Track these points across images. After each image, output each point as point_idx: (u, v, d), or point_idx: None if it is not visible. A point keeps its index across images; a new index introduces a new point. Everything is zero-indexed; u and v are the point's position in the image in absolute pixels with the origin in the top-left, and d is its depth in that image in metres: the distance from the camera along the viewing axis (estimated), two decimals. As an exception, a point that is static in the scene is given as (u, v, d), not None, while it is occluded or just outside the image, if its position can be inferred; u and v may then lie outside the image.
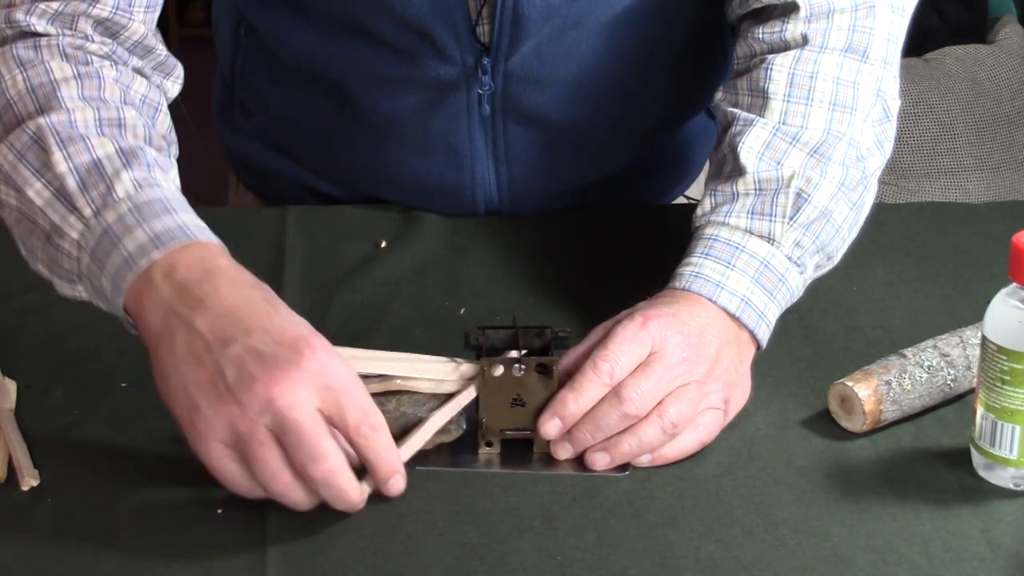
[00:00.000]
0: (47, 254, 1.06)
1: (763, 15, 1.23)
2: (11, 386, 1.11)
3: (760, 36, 1.21)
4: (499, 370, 1.03)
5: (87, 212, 1.03)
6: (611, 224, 1.37)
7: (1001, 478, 1.02)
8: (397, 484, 0.98)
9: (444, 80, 1.30)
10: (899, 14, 1.22)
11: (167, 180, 1.06)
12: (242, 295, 0.98)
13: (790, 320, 1.16)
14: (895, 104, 1.21)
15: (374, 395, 1.01)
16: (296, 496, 0.96)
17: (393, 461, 0.97)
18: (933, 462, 1.05)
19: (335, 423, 0.95)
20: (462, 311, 1.23)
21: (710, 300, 1.09)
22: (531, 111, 1.33)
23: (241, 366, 0.94)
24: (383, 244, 1.33)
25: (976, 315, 1.06)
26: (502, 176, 1.36)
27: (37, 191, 1.04)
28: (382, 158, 1.36)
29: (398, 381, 1.04)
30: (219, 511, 1.00)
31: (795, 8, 1.20)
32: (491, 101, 1.31)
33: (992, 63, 2.72)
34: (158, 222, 1.01)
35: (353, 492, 0.96)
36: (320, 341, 0.96)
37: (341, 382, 0.95)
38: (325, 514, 0.99)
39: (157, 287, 0.99)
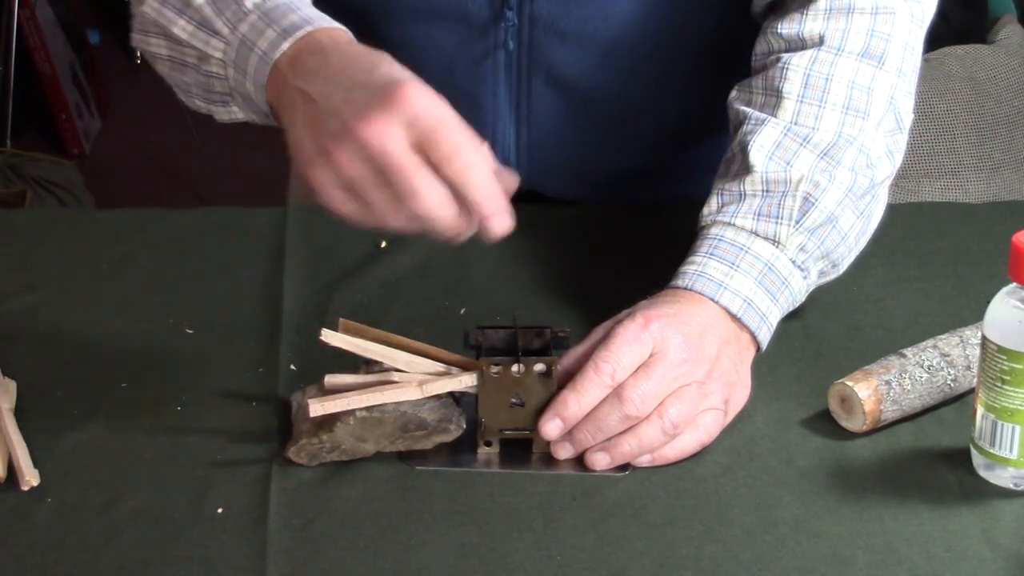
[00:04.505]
0: (200, 85, 1.16)
1: (784, 8, 1.23)
2: (11, 386, 1.12)
3: (779, 31, 1.20)
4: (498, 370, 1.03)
5: (225, 31, 1.12)
6: (612, 223, 1.37)
7: (1001, 478, 1.02)
8: (500, 223, 0.98)
9: (470, 14, 1.30)
10: (918, 24, 1.22)
11: None
12: (348, 60, 1.04)
13: (790, 320, 1.16)
14: (908, 117, 1.20)
15: (372, 385, 1.02)
16: (417, 225, 0.99)
17: (491, 198, 0.97)
18: (933, 462, 1.05)
19: (429, 159, 0.97)
20: (462, 311, 1.24)
21: (712, 300, 1.09)
22: (557, 70, 1.32)
23: (339, 116, 0.99)
24: (383, 244, 1.33)
25: (976, 315, 1.06)
26: (522, 139, 1.36)
27: (181, 27, 1.15)
28: None
29: (395, 376, 1.04)
30: (219, 511, 1.00)
31: None
32: (517, 49, 1.31)
33: (992, 63, 2.71)
34: (284, 20, 1.08)
35: (452, 223, 0.97)
36: (413, 85, 0.98)
37: (431, 117, 0.97)
38: (325, 514, 0.99)
39: (284, 74, 1.06)
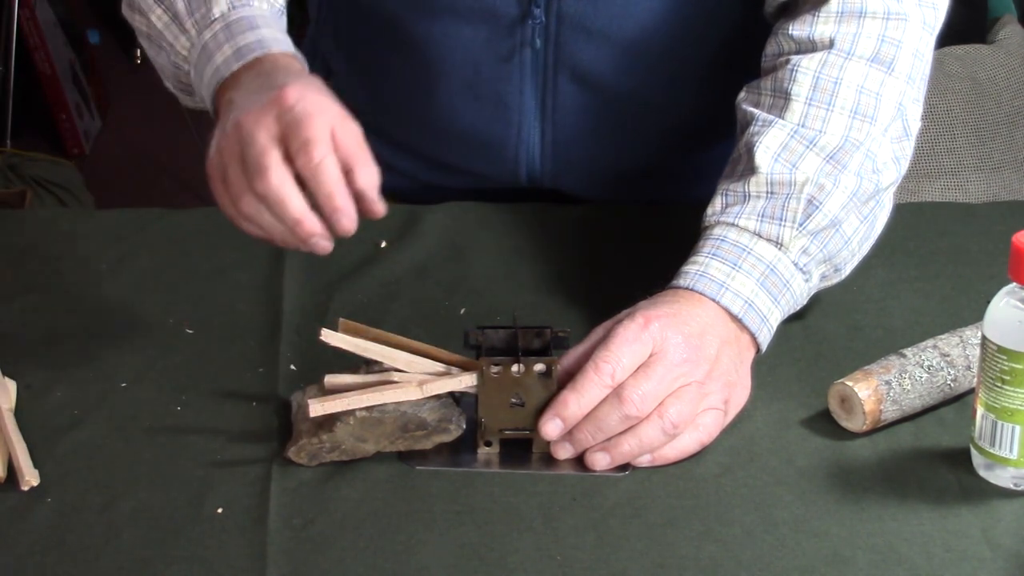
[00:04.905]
0: (170, 70, 1.23)
1: (795, 10, 1.23)
2: (11, 386, 1.12)
3: (790, 32, 1.20)
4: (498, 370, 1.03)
5: (192, 32, 1.18)
6: (613, 223, 1.37)
7: (1001, 478, 1.02)
8: (342, 222, 1.02)
9: (498, 12, 1.30)
10: (929, 31, 1.21)
11: (260, 0, 1.20)
12: (272, 75, 1.11)
13: (790, 320, 1.16)
14: (915, 125, 1.20)
15: (372, 385, 1.02)
16: (264, 220, 1.04)
17: (333, 195, 1.01)
18: (933, 462, 1.05)
19: (287, 149, 1.03)
20: (462, 311, 1.23)
21: (713, 300, 1.09)
22: (583, 67, 1.32)
23: (237, 111, 1.06)
24: (383, 244, 1.33)
25: (976, 315, 1.06)
26: (547, 137, 1.37)
27: (158, 16, 1.21)
28: (433, 103, 1.37)
29: (395, 376, 1.04)
30: (219, 511, 1.00)
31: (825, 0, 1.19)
32: (544, 47, 1.31)
33: (992, 63, 2.71)
34: (242, 38, 1.15)
35: (294, 207, 1.01)
36: (297, 87, 1.04)
37: (297, 113, 1.02)
38: (325, 514, 0.99)
39: (226, 87, 1.13)
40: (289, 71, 1.11)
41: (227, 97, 1.11)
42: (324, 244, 1.04)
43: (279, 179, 1.02)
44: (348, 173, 1.04)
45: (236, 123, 1.05)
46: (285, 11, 1.28)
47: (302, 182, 1.03)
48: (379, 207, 1.05)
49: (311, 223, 1.02)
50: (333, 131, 1.04)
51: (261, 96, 1.06)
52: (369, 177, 1.04)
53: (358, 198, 1.04)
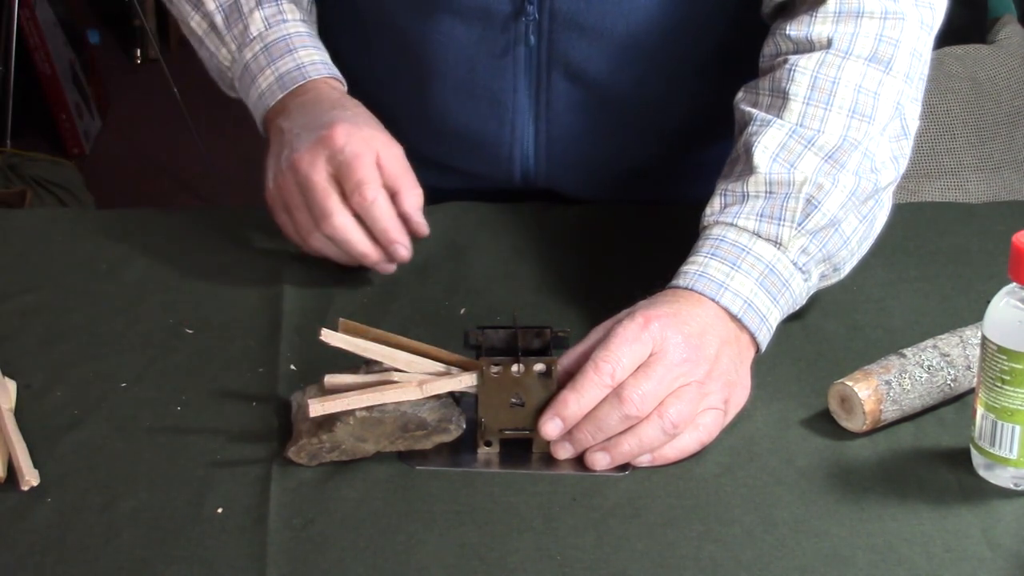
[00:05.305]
0: (214, 69, 1.34)
1: (793, 10, 1.23)
2: (11, 386, 1.11)
3: (787, 33, 1.20)
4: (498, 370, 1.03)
5: (232, 47, 1.30)
6: (613, 223, 1.37)
7: (1001, 478, 1.02)
8: (398, 252, 1.21)
9: (491, 9, 1.30)
10: (926, 31, 1.21)
11: (293, 13, 1.31)
12: (317, 105, 1.25)
13: (790, 320, 1.16)
14: (914, 124, 1.20)
15: (372, 385, 1.02)
16: (331, 251, 1.22)
17: (387, 229, 1.19)
18: (933, 462, 1.05)
19: (342, 188, 1.19)
20: (462, 311, 1.24)
21: (712, 300, 1.09)
22: (576, 64, 1.33)
23: (289, 149, 1.22)
24: (383, 244, 1.33)
25: (976, 315, 1.06)
26: (541, 135, 1.37)
27: (196, 23, 1.32)
28: (428, 102, 1.37)
29: (395, 376, 1.04)
30: (219, 511, 1.00)
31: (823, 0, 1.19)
32: (538, 44, 1.31)
33: (992, 63, 2.71)
34: (282, 63, 1.28)
35: (359, 244, 1.20)
36: (343, 125, 1.20)
37: (347, 154, 1.19)
38: (325, 514, 1.00)
39: (275, 114, 1.27)
40: (333, 103, 1.24)
41: (276, 124, 1.25)
42: (387, 267, 1.23)
43: (343, 223, 1.19)
44: (394, 196, 1.19)
45: (291, 164, 1.20)
46: (314, 5, 1.36)
47: (358, 214, 1.19)
48: (424, 228, 1.22)
49: (374, 255, 1.21)
50: (378, 158, 1.20)
51: (311, 133, 1.20)
52: (414, 200, 1.21)
53: (403, 219, 1.20)
